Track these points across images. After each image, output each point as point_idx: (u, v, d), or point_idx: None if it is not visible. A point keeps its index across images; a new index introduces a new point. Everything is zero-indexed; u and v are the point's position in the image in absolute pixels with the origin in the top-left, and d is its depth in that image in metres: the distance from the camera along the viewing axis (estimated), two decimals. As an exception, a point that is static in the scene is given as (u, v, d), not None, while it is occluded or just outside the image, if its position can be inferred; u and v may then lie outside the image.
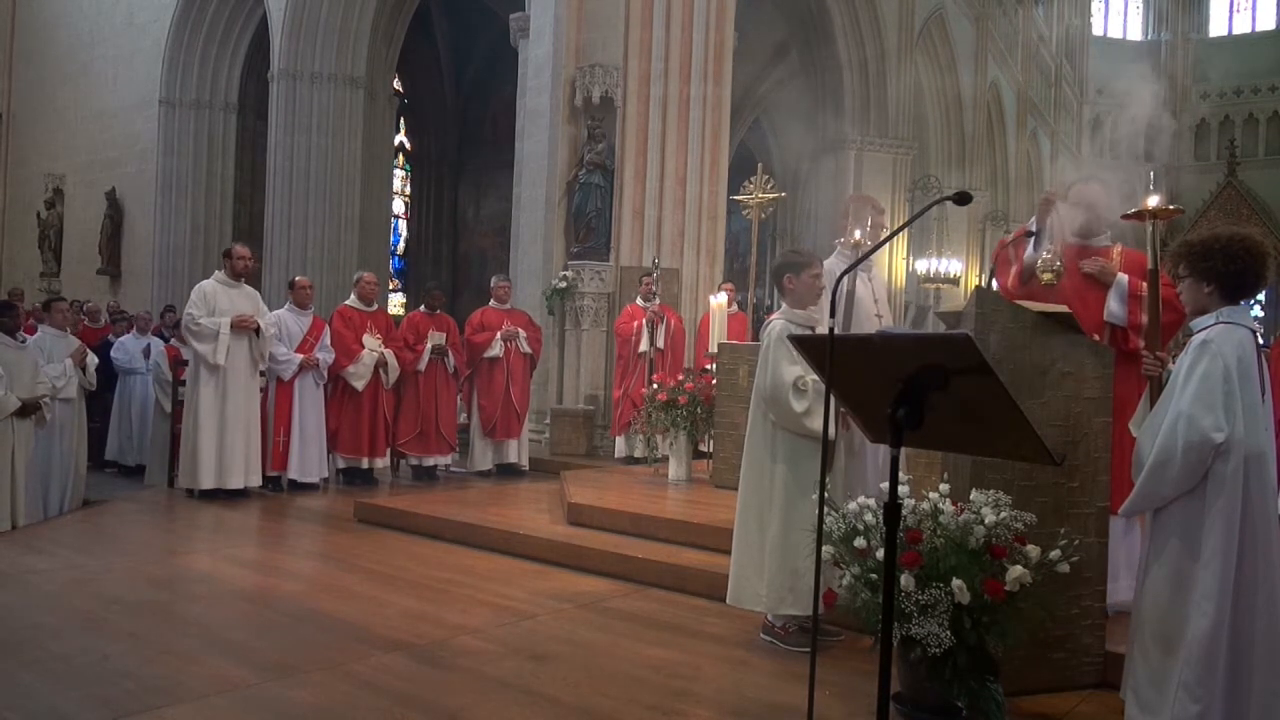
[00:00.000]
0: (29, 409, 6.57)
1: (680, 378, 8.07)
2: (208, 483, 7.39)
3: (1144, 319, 4.15)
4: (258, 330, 7.57)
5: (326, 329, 8.31)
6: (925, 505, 3.36)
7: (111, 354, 9.73)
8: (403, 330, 8.88)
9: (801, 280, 4.27)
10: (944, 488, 3.47)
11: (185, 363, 8.11)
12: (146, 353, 9.77)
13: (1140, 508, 3.12)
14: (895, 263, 16.62)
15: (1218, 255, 3.04)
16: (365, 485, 8.44)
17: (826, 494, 3.07)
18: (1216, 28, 28.34)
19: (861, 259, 3.94)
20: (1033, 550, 3.22)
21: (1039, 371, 3.60)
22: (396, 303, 21.01)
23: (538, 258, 10.68)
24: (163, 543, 6.25)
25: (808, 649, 3.41)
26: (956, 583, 3.10)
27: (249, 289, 7.88)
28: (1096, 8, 28.89)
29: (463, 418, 9.51)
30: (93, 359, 7.75)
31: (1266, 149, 26.34)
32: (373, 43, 14.98)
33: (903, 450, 2.39)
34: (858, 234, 4.81)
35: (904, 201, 16.72)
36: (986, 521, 3.22)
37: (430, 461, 8.91)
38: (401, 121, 21.13)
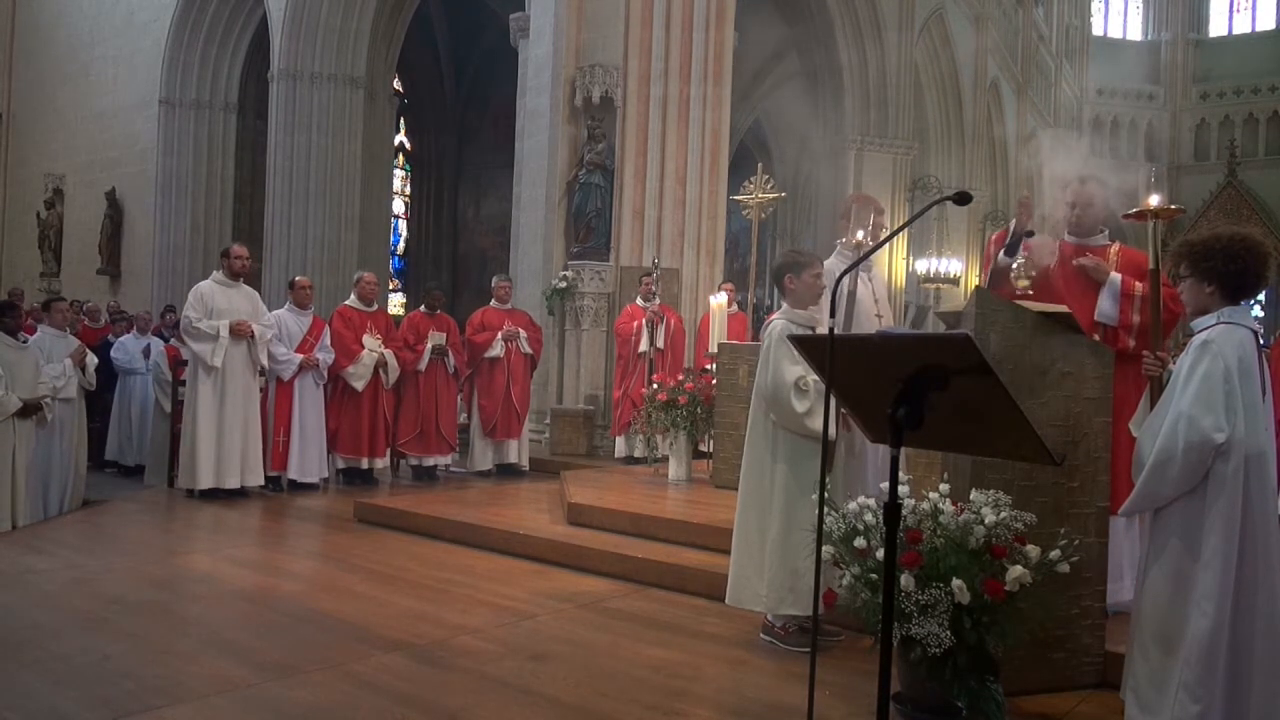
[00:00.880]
0: (30, 409, 6.58)
1: (680, 378, 8.07)
2: (206, 483, 7.39)
3: (1135, 318, 4.14)
4: (253, 335, 7.58)
5: (326, 329, 8.30)
6: (925, 505, 3.36)
7: (111, 354, 9.74)
8: (403, 330, 8.87)
9: (802, 280, 4.27)
10: (944, 488, 3.47)
11: (185, 363, 8.11)
12: (146, 353, 9.78)
13: (1140, 508, 3.12)
14: (895, 263, 16.59)
15: (1219, 255, 3.04)
16: (365, 485, 8.44)
17: (826, 494, 3.07)
18: (1216, 28, 28.29)
19: (861, 259, 3.94)
20: (1033, 550, 3.22)
21: (1039, 371, 3.61)
22: (396, 303, 21.01)
23: (538, 258, 10.68)
24: (162, 543, 6.25)
25: (808, 649, 3.41)
26: (956, 583, 3.10)
27: (247, 289, 7.88)
28: (1096, 8, 28.83)
29: (463, 418, 9.51)
30: (92, 359, 7.75)
31: (1266, 149, 26.28)
32: (372, 43, 14.97)
33: (903, 450, 2.38)
34: (860, 234, 4.80)
35: (904, 201, 16.70)
36: (986, 521, 3.22)
37: (430, 461, 8.91)
38: (401, 121, 21.13)
